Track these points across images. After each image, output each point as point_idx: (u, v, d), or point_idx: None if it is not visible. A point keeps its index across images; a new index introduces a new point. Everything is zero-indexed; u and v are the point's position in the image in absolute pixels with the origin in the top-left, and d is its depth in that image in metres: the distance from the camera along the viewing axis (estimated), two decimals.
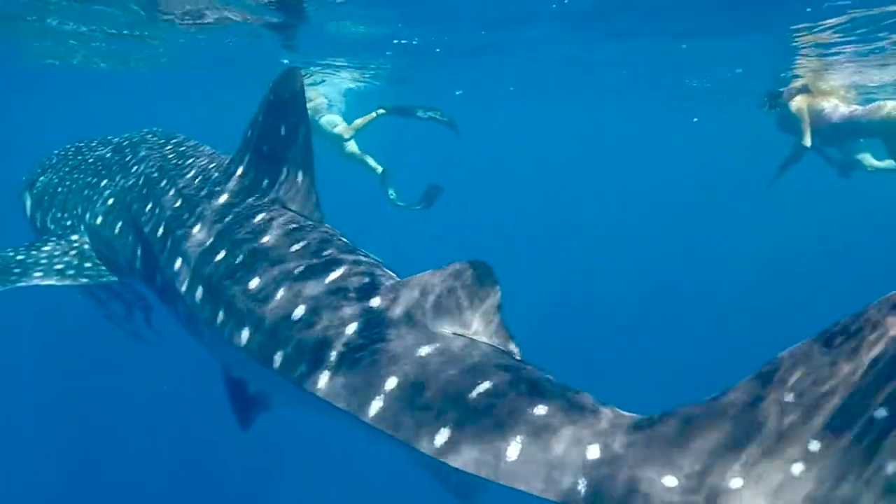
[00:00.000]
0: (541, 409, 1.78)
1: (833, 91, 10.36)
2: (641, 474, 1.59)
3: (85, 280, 3.90)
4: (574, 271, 19.28)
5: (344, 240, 2.80)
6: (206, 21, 8.17)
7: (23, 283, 3.71)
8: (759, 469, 1.50)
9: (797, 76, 10.90)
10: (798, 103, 8.40)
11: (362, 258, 2.57)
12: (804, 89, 8.97)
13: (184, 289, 2.83)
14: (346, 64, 11.59)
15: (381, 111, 10.31)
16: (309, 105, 10.75)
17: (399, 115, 10.44)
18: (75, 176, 4.72)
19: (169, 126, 5.14)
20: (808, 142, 8.19)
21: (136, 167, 4.14)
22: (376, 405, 1.93)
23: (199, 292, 2.73)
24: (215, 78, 13.80)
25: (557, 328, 14.67)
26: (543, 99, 17.62)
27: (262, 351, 2.30)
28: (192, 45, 10.11)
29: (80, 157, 5.00)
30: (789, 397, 1.52)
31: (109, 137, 5.18)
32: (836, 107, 8.27)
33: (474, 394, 1.85)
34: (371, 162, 10.55)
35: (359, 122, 10.44)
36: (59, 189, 4.73)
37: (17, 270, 3.80)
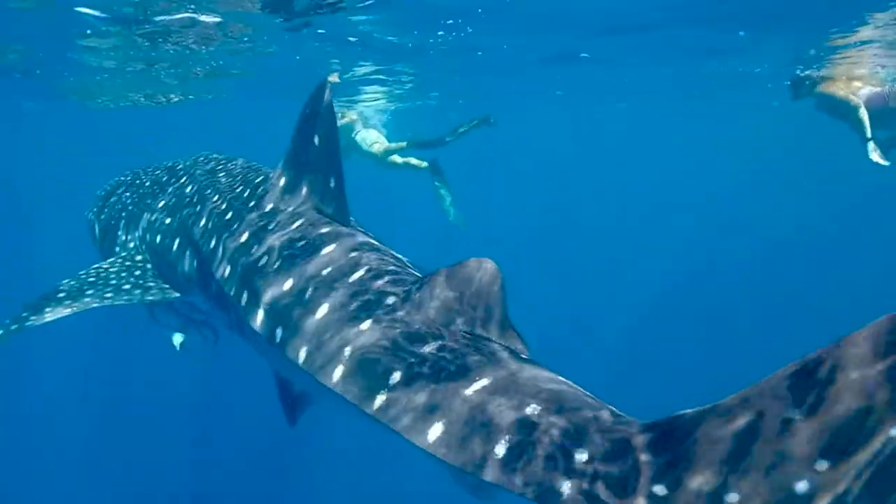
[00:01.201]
0: (534, 409, 1.79)
1: (861, 75, 10.10)
2: (629, 482, 1.55)
3: (151, 298, 4.11)
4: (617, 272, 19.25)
5: (372, 240, 2.93)
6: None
7: (96, 304, 3.94)
8: (759, 484, 1.42)
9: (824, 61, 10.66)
10: (828, 85, 8.13)
11: (386, 257, 2.70)
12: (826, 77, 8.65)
13: (232, 293, 3.02)
14: (372, 67, 11.67)
15: (406, 144, 10.32)
16: (341, 122, 11.05)
17: (427, 147, 10.35)
18: (136, 200, 5.04)
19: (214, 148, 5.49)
20: (857, 103, 7.69)
21: (190, 186, 4.39)
22: (380, 399, 2.01)
23: (244, 296, 2.91)
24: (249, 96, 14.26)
25: (604, 326, 14.68)
26: (578, 100, 17.71)
27: (291, 347, 2.45)
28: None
29: (138, 182, 5.34)
30: (795, 413, 1.42)
31: (165, 163, 5.51)
32: (867, 89, 7.98)
33: (470, 391, 1.89)
34: (415, 162, 10.48)
35: (392, 145, 10.55)
36: (122, 213, 5.06)
37: (89, 292, 4.05)
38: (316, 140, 3.02)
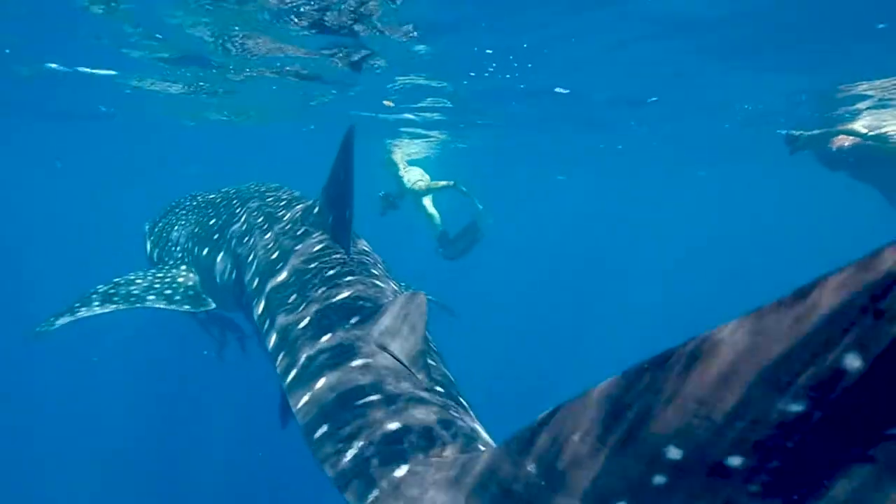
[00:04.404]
0: (392, 425, 2.02)
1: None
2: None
3: (187, 307, 4.50)
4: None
5: (375, 264, 3.24)
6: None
7: (139, 305, 4.36)
8: None
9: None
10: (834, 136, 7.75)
11: (373, 281, 3.01)
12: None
13: (253, 302, 3.38)
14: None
15: (453, 184, 10.47)
16: (403, 174, 11.22)
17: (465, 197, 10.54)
18: (190, 217, 5.59)
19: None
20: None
21: (239, 209, 4.80)
22: (305, 397, 2.35)
23: (261, 306, 3.25)
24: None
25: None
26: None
27: (274, 351, 2.79)
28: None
29: (194, 203, 5.92)
30: (531, 467, 1.34)
31: (220, 189, 6.07)
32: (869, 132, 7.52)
33: (360, 402, 2.16)
34: (431, 209, 10.70)
35: (440, 183, 10.74)
36: (176, 227, 5.62)
37: (136, 292, 4.50)
38: (341, 175, 3.38)
